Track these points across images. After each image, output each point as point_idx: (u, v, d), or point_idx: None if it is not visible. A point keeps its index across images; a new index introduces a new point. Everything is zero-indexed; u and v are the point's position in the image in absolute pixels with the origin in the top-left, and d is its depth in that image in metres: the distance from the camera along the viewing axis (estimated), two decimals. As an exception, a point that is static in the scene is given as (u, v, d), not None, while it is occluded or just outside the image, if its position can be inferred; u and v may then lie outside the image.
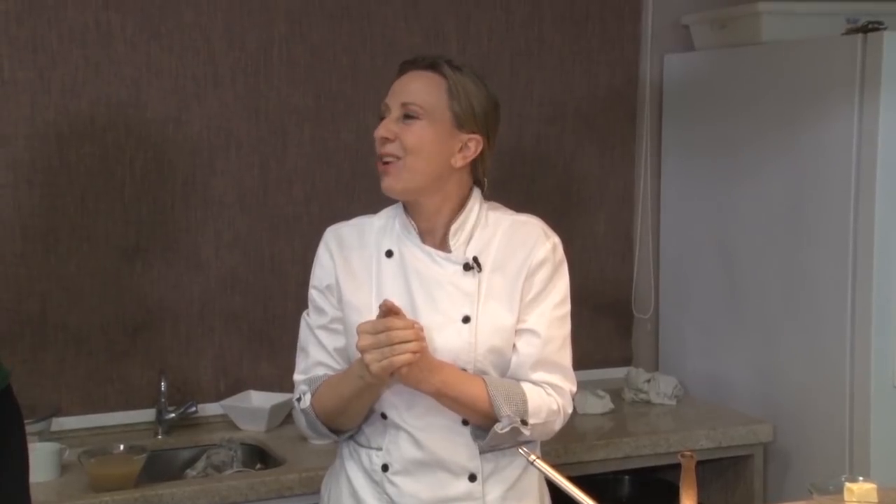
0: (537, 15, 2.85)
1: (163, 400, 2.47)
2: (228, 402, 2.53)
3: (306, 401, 1.70)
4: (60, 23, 2.40)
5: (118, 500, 2.09)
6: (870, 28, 2.36)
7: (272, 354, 2.65)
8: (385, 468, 1.73)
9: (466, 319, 1.70)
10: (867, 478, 1.77)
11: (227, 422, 2.53)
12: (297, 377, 1.78)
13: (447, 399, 1.63)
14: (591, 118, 2.77)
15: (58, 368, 2.37)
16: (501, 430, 1.62)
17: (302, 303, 2.73)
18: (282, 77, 2.63)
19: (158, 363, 2.54)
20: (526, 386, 1.68)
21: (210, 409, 2.57)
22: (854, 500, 1.71)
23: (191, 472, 2.34)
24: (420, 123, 1.65)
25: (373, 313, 1.65)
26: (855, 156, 2.38)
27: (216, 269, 2.63)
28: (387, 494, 1.74)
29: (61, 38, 2.39)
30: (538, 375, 1.71)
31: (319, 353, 1.77)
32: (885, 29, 2.33)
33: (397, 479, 1.73)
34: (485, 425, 1.63)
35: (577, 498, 1.45)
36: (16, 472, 1.63)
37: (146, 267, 2.55)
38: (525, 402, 1.64)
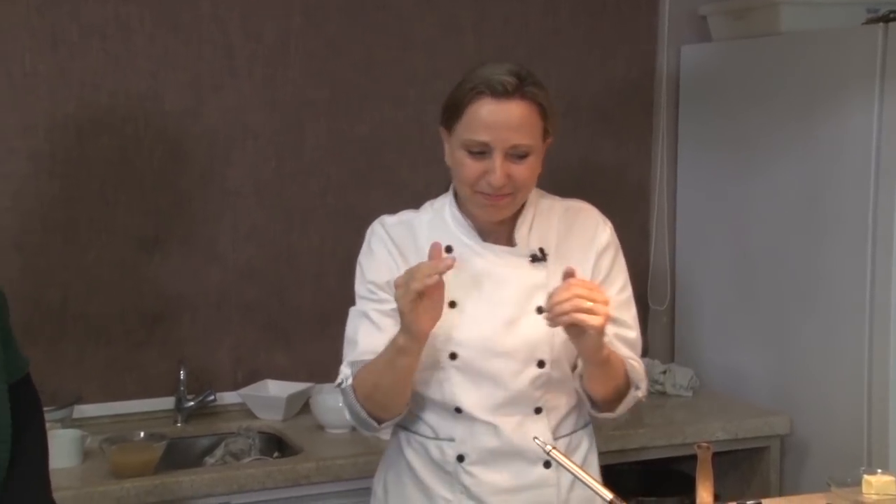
0: (553, 6, 2.84)
1: (182, 388, 2.47)
2: (246, 391, 2.55)
3: (348, 380, 1.69)
4: (80, 16, 2.40)
5: (138, 487, 2.12)
6: (891, 17, 2.29)
7: (288, 345, 2.67)
8: (460, 459, 1.74)
9: (540, 310, 1.69)
10: (886, 470, 1.76)
11: (244, 410, 2.54)
12: (338, 379, 1.74)
13: (607, 366, 1.63)
14: (608, 110, 2.76)
15: (78, 357, 2.38)
16: (643, 395, 1.68)
17: (318, 293, 2.71)
18: (298, 69, 2.62)
19: (177, 352, 2.56)
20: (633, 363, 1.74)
21: (228, 398, 2.58)
22: (873, 492, 1.71)
23: (209, 460, 2.35)
24: (529, 160, 1.65)
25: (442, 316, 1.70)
26: (875, 148, 2.34)
27: (233, 261, 2.63)
28: (461, 484, 1.74)
29: (81, 31, 2.39)
30: (627, 352, 1.73)
31: (373, 339, 1.73)
32: None
33: (474, 469, 1.73)
34: (606, 397, 1.65)
35: (593, 488, 1.44)
36: (35, 458, 1.62)
37: (164, 258, 2.56)
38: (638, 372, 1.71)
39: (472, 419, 1.69)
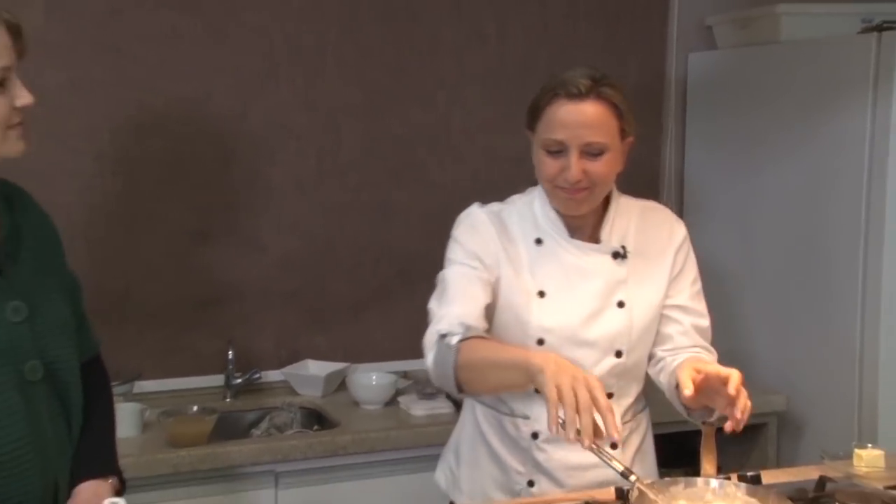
0: (571, 17, 2.90)
1: (230, 367, 2.57)
2: (288, 369, 2.63)
3: (454, 339, 1.66)
4: (138, 27, 2.49)
5: (192, 455, 2.20)
6: (884, 27, 2.36)
7: (326, 328, 2.75)
8: (535, 436, 1.79)
9: (621, 304, 1.75)
10: (875, 445, 1.81)
11: (287, 387, 2.63)
12: (441, 326, 1.70)
13: None
14: None
15: (139, 338, 2.46)
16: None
17: (353, 281, 2.76)
18: (334, 75, 2.69)
19: (226, 334, 2.62)
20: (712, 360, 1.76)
21: (272, 375, 2.66)
22: (863, 465, 1.76)
23: (255, 432, 2.44)
24: (604, 157, 1.68)
25: (531, 297, 1.72)
26: (868, 148, 2.41)
27: (276, 252, 2.70)
28: (533, 459, 1.80)
29: (139, 41, 2.48)
30: (704, 343, 1.78)
31: (469, 300, 1.73)
32: None
33: (547, 447, 1.78)
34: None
35: (607, 461, 1.47)
36: (104, 428, 1.70)
37: (213, 249, 2.64)
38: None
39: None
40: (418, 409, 2.43)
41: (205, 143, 2.62)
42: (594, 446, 1.44)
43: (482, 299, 1.72)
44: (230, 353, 2.58)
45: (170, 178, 2.58)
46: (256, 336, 2.70)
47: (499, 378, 1.60)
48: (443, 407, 2.44)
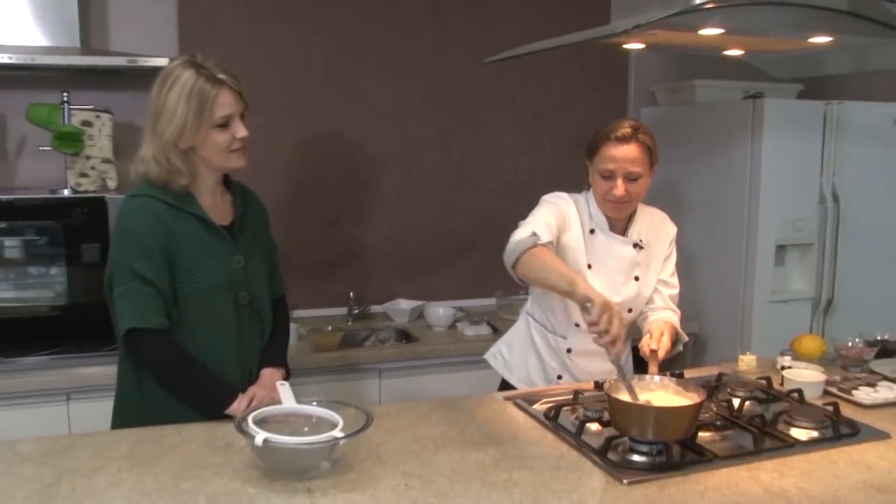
0: (569, 83, 3.21)
1: (351, 303, 2.90)
2: (387, 305, 2.97)
3: (534, 240, 1.72)
4: (305, 71, 2.81)
5: (328, 357, 2.47)
6: (756, 96, 2.83)
7: (410, 279, 3.08)
8: (569, 351, 1.94)
9: (637, 279, 1.90)
10: (751, 352, 2.07)
11: (386, 316, 2.95)
12: (521, 231, 1.75)
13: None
14: None
15: (297, 283, 2.64)
16: (682, 343, 1.87)
17: (427, 253, 2.97)
18: (420, 118, 3.01)
19: (349, 282, 2.97)
20: (675, 318, 1.89)
21: (377, 308, 2.99)
22: (743, 366, 2.02)
23: (367, 343, 2.75)
24: (640, 181, 1.81)
25: (583, 266, 1.82)
26: (749, 171, 2.76)
27: (380, 231, 2.99)
28: (564, 363, 1.95)
29: (305, 77, 2.84)
30: (671, 306, 1.93)
31: (542, 226, 1.78)
32: (764, 97, 2.79)
33: (576, 359, 1.94)
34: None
35: (618, 367, 1.55)
36: (283, 338, 1.89)
37: (342, 229, 2.99)
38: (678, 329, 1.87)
39: (583, 332, 1.82)
40: (469, 331, 2.75)
41: (340, 160, 2.95)
42: (615, 357, 1.58)
43: (553, 227, 1.80)
44: (351, 293, 2.92)
45: (318, 182, 2.92)
46: (367, 283, 3.01)
47: (550, 280, 1.66)
48: (485, 330, 2.76)
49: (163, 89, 1.64)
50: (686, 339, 1.90)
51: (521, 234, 1.77)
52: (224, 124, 1.63)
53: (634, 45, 2.37)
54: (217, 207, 1.72)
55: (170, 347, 1.63)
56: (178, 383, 1.65)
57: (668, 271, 1.93)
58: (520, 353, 2.00)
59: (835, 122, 2.81)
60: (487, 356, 2.09)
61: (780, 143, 2.73)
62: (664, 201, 2.08)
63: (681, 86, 3.17)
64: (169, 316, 1.64)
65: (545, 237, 1.74)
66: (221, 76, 1.65)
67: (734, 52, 2.39)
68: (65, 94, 2.39)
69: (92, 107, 2.46)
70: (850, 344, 2.12)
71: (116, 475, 1.38)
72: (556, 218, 1.83)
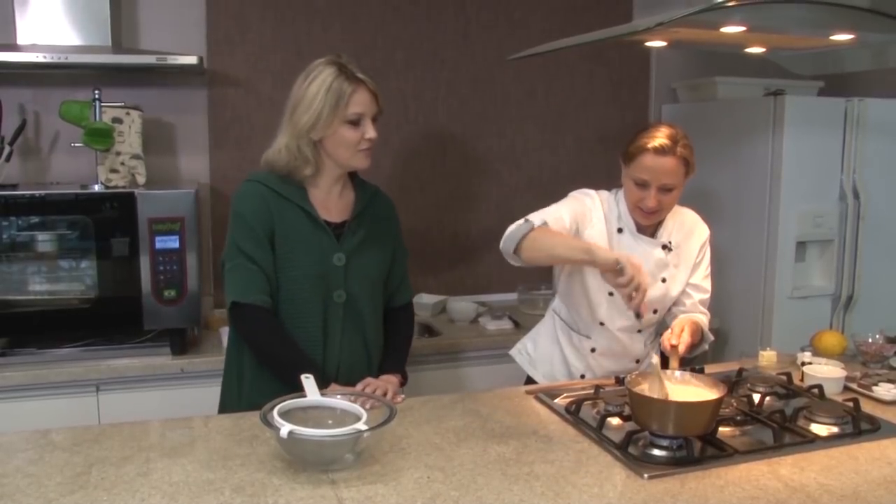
0: (590, 80, 3.22)
1: None
2: None
3: (532, 223, 1.74)
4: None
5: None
6: (777, 93, 2.80)
7: (434, 273, 3.08)
8: (592, 350, 1.94)
9: (664, 280, 1.89)
10: (771, 348, 2.08)
11: None
12: (519, 222, 1.76)
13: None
14: (618, 141, 2.82)
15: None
16: (709, 343, 1.86)
17: (451, 247, 3.01)
18: (446, 117, 3.03)
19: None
20: (703, 319, 1.88)
21: None
22: (764, 362, 2.03)
23: None
24: (673, 192, 1.80)
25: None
26: (770, 166, 2.75)
27: (405, 226, 2.20)
28: (587, 362, 1.95)
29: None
30: (700, 309, 1.92)
31: (552, 219, 1.77)
32: (785, 94, 2.77)
33: (599, 358, 1.95)
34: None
35: (659, 372, 1.52)
36: (403, 345, 1.89)
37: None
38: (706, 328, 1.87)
39: (608, 331, 1.89)
40: (491, 325, 2.74)
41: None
42: (638, 311, 1.62)
43: (565, 220, 1.80)
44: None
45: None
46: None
47: (562, 253, 1.67)
48: (507, 324, 2.74)
49: (304, 82, 1.70)
50: (712, 338, 1.89)
51: (516, 223, 1.77)
52: (356, 122, 1.68)
53: (656, 43, 2.36)
54: (331, 203, 1.76)
55: (268, 323, 1.68)
56: (272, 357, 1.69)
57: (700, 275, 1.91)
58: (544, 350, 2.00)
59: (855, 118, 2.79)
60: (513, 352, 2.09)
61: (800, 139, 2.71)
62: (685, 197, 2.16)
63: (702, 83, 3.14)
64: (271, 295, 1.69)
65: (537, 224, 1.74)
66: (360, 76, 1.70)
67: (756, 50, 2.38)
68: (96, 91, 2.42)
69: (122, 104, 2.49)
70: (870, 340, 2.10)
71: (144, 465, 1.41)
72: (571, 213, 1.82)
